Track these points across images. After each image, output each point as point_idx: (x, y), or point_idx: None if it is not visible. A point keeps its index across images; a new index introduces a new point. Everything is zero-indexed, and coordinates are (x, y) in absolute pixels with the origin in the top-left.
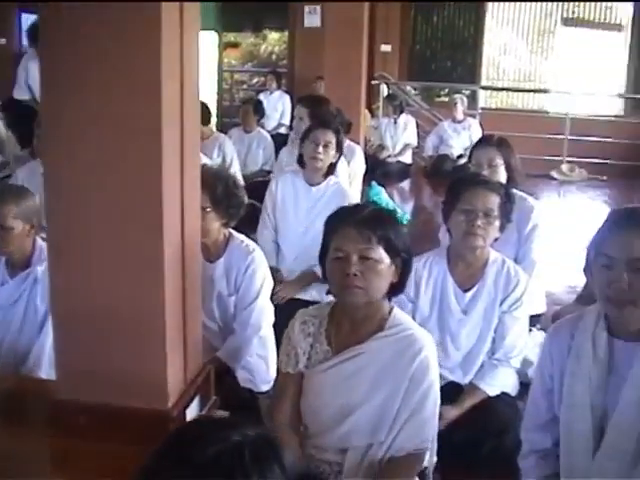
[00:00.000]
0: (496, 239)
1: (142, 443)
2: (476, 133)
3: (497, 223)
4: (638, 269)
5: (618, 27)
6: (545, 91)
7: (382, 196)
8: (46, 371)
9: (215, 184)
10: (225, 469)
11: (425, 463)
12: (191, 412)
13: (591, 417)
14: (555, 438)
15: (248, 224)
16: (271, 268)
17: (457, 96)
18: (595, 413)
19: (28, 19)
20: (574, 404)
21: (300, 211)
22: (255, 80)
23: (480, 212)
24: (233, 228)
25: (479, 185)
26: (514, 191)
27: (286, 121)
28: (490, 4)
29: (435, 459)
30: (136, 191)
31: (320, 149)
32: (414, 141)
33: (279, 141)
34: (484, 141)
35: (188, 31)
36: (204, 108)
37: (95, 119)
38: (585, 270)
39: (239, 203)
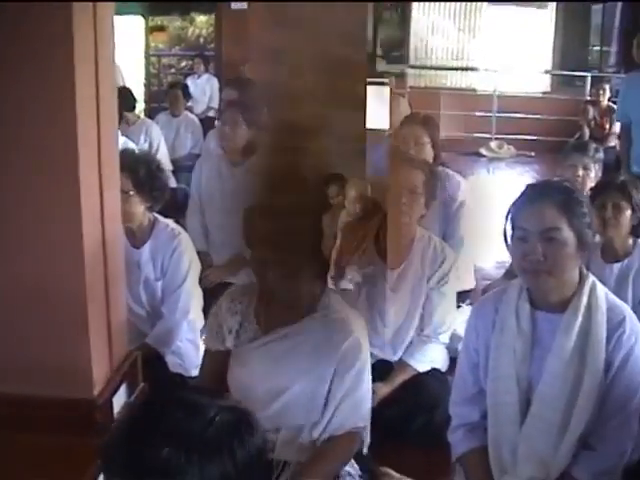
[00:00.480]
0: (422, 216)
1: (68, 433)
2: (405, 112)
3: (422, 200)
4: (550, 238)
5: (543, 5)
6: (473, 69)
7: None
8: None
9: (137, 167)
10: (226, 442)
11: None
12: (118, 400)
13: (517, 389)
14: (483, 411)
15: (178, 209)
16: (201, 252)
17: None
18: (521, 385)
19: None
20: (500, 377)
21: (226, 193)
22: (183, 64)
23: (405, 189)
24: (164, 214)
25: (404, 162)
26: (441, 168)
27: (215, 104)
28: None
29: (368, 439)
30: (53, 178)
31: (227, 129)
32: None
33: (208, 124)
34: (410, 119)
35: (102, 17)
36: (128, 94)
37: (7, 109)
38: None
39: (163, 186)
